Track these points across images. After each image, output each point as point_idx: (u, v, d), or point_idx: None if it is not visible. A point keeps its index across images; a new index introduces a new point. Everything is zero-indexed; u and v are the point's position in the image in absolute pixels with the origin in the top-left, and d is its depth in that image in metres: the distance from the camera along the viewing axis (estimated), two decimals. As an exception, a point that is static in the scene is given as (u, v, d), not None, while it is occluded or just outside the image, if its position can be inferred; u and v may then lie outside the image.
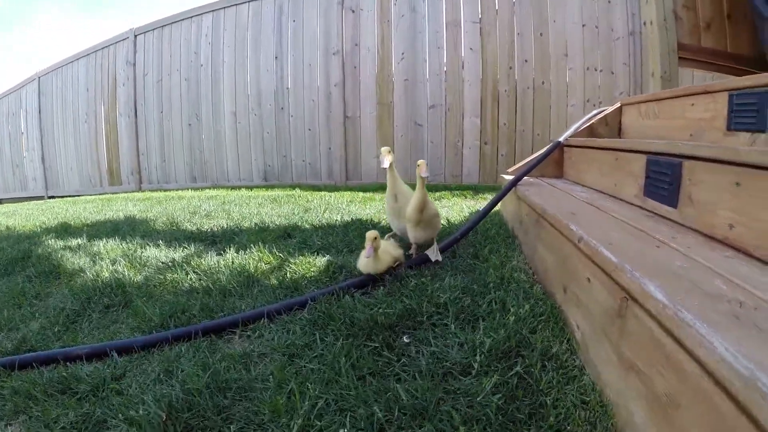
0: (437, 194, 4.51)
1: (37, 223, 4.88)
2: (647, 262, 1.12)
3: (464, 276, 2.00)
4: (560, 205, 1.92)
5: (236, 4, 6.96)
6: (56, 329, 2.07)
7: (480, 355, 1.38)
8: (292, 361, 1.53)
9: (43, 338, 2.00)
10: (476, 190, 4.73)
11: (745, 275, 1.06)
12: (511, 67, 5.50)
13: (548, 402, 1.20)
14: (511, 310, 1.60)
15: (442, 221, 3.10)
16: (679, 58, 3.26)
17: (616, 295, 1.13)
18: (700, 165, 1.47)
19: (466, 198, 4.26)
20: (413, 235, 2.20)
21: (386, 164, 2.17)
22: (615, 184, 2.18)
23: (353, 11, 6.14)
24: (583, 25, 5.38)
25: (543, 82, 5.43)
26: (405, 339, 1.56)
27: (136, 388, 1.51)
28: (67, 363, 1.72)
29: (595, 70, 5.35)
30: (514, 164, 5.15)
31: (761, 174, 1.20)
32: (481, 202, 3.93)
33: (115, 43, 8.32)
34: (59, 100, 9.52)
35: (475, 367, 1.35)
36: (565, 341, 1.43)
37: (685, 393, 0.84)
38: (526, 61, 5.48)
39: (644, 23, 3.42)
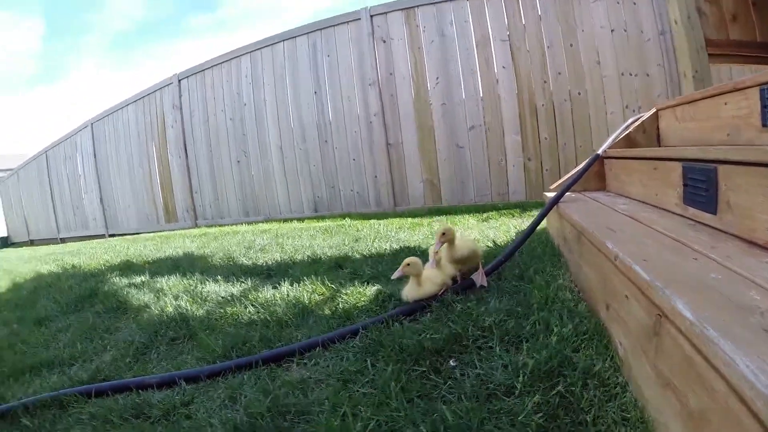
0: (484, 215, 4.55)
1: (101, 262, 5.19)
2: (681, 277, 1.14)
3: (509, 298, 2.03)
4: (600, 221, 1.93)
5: (271, 45, 7.25)
6: (127, 360, 2.24)
7: (523, 376, 1.41)
8: (346, 386, 1.61)
9: (116, 369, 2.17)
10: (523, 207, 4.73)
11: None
12: (545, 81, 5.51)
13: (588, 420, 1.23)
14: (555, 330, 1.63)
15: (488, 243, 3.13)
16: (709, 54, 3.21)
17: (651, 313, 1.14)
18: (735, 169, 1.47)
19: (513, 217, 4.27)
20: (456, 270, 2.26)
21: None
22: (656, 193, 2.18)
23: (384, 41, 6.28)
24: (612, 30, 5.34)
25: (579, 93, 5.40)
26: (452, 363, 1.61)
27: (203, 413, 1.62)
28: (139, 391, 1.86)
29: (630, 74, 5.30)
30: (559, 178, 5.13)
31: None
32: (527, 221, 3.93)
33: (161, 88, 8.79)
34: (112, 144, 10.14)
35: (518, 387, 1.39)
36: (609, 359, 1.44)
37: (715, 410, 0.85)
38: (559, 73, 5.48)
39: (672, 22, 3.38)
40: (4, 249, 15.26)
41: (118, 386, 1.92)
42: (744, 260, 1.24)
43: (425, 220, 4.66)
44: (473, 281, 2.22)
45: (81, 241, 10.93)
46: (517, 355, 1.55)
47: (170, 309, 2.77)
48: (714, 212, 1.59)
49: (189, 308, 2.73)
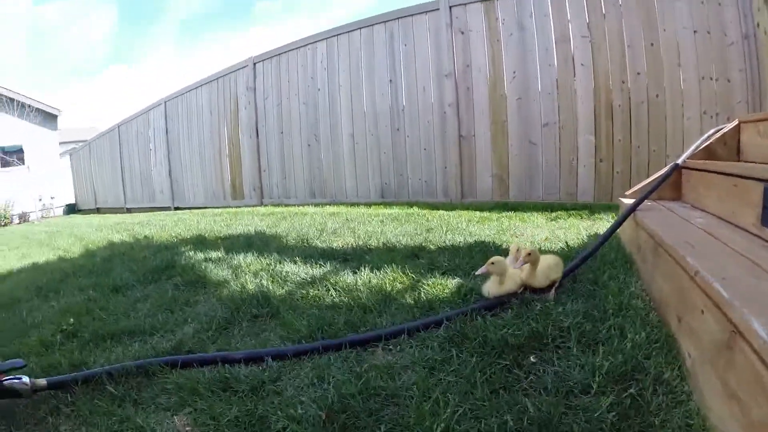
0: (553, 214, 4.61)
1: (173, 234, 5.45)
2: (757, 298, 1.22)
3: (585, 301, 2.15)
4: (678, 235, 2.00)
5: (348, 32, 7.39)
6: (209, 334, 2.38)
7: (598, 377, 1.54)
8: (432, 373, 1.74)
9: (199, 342, 2.31)
10: (591, 209, 4.76)
11: None
12: (623, 81, 5.42)
13: (656, 422, 1.36)
14: (629, 336, 1.74)
15: (560, 244, 3.20)
16: (795, 67, 3.14)
17: (725, 329, 1.24)
18: None
19: (582, 218, 4.31)
20: None
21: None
22: (733, 211, 2.20)
23: (462, 33, 6.31)
24: (695, 32, 5.18)
25: (657, 95, 5.30)
26: (532, 359, 1.75)
27: (292, 391, 1.76)
28: (225, 365, 1.98)
29: (710, 78, 5.13)
30: (630, 182, 5.16)
31: None
32: (597, 223, 3.97)
33: (236, 70, 9.16)
34: (185, 122, 10.68)
35: (594, 387, 1.52)
36: (677, 368, 1.55)
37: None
38: (638, 73, 5.37)
39: (757, 25, 3.26)
40: (72, 215, 16.29)
41: (204, 359, 2.05)
42: (819, 289, 1.31)
43: (493, 215, 4.76)
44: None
45: (147, 212, 11.62)
46: (594, 356, 1.67)
47: (251, 287, 2.93)
48: (791, 237, 1.65)
49: (270, 287, 2.88)
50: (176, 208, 11.17)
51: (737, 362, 1.17)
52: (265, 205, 8.54)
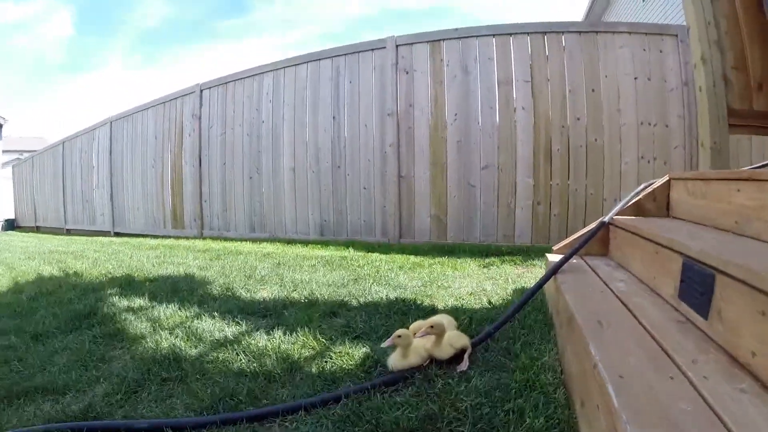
0: (486, 260, 4.52)
1: (103, 271, 5.25)
2: (648, 407, 1.13)
3: (491, 375, 2.02)
4: (591, 309, 1.90)
5: (295, 65, 7.31)
6: (119, 397, 2.25)
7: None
8: None
9: (108, 405, 2.18)
10: (527, 253, 4.70)
11: (747, 420, 1.06)
12: (563, 126, 5.49)
13: None
14: (527, 421, 1.63)
15: (483, 300, 3.10)
16: (730, 125, 3.16)
17: None
18: (730, 283, 1.43)
19: (515, 264, 4.24)
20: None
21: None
22: (654, 277, 2.14)
23: (407, 72, 6.30)
24: (635, 78, 5.32)
25: (596, 139, 5.37)
26: (422, 447, 1.61)
27: None
28: None
29: (649, 124, 5.27)
30: (567, 224, 5.17)
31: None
32: (529, 271, 3.91)
33: (183, 96, 8.98)
34: (129, 144, 10.45)
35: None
36: None
37: None
38: (578, 118, 5.45)
39: (697, 89, 3.33)
40: (10, 232, 15.70)
41: (108, 426, 1.96)
42: (719, 386, 1.22)
43: (427, 260, 4.65)
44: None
45: (87, 235, 11.29)
46: (486, 445, 1.55)
47: (165, 345, 2.78)
48: (705, 317, 1.56)
49: (183, 347, 2.74)
50: (116, 234, 10.87)
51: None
52: (204, 238, 8.32)
